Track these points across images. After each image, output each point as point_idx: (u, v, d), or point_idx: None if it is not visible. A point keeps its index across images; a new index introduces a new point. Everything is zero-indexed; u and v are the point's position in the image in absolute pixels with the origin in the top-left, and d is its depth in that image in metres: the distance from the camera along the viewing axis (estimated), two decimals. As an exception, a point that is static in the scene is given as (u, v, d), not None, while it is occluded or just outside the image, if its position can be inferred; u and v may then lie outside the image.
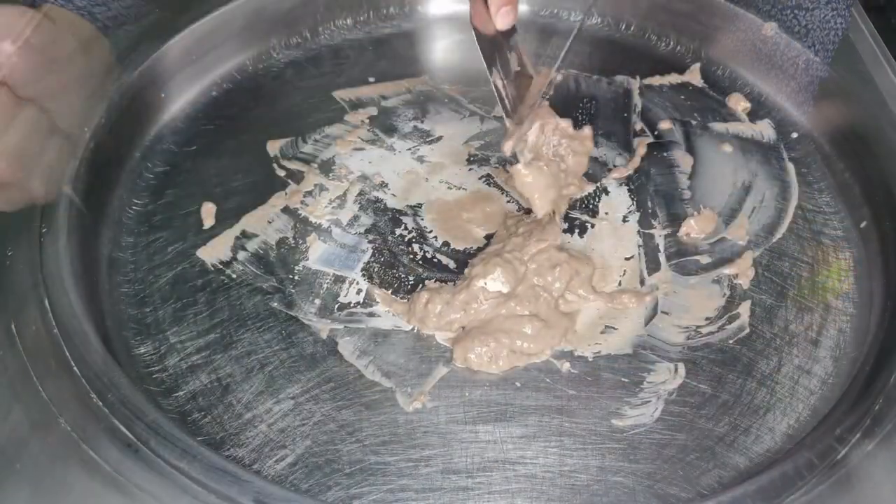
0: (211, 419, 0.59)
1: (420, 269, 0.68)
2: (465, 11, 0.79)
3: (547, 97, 0.69)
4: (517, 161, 0.67)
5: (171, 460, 0.52)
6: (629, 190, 0.74)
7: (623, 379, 0.61)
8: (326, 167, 0.75)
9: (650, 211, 0.73)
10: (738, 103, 0.81)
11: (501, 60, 0.66)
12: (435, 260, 0.69)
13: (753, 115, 0.80)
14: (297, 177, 0.74)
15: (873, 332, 0.64)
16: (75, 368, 0.57)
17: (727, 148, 0.78)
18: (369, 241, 0.70)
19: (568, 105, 0.80)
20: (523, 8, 0.84)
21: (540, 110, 0.68)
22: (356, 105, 0.80)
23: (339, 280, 0.67)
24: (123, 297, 0.65)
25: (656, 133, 0.79)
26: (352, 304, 0.66)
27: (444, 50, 0.85)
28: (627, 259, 0.69)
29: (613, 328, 0.65)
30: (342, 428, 0.58)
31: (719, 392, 0.61)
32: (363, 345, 0.63)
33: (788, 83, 0.80)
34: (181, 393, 0.60)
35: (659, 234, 0.71)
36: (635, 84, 0.83)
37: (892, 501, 0.53)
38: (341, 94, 0.81)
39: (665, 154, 0.77)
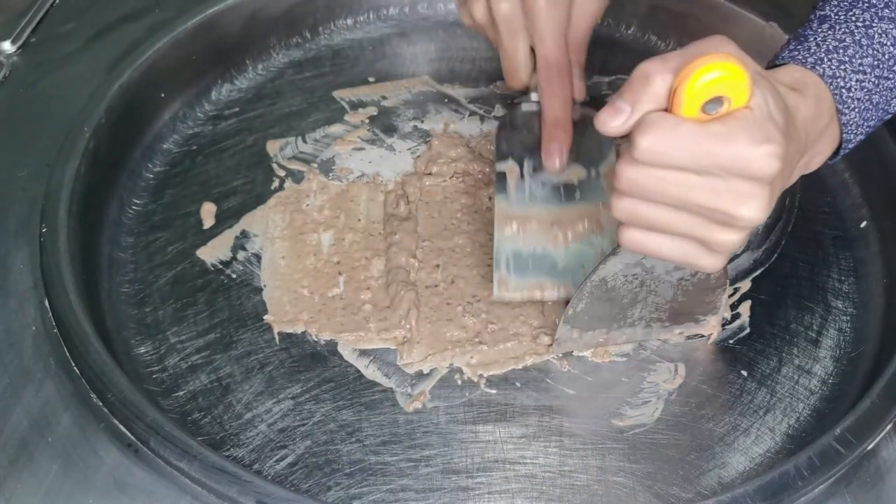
0: (211, 419, 0.59)
1: (420, 269, 0.68)
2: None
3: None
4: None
5: (171, 460, 0.52)
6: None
7: (623, 379, 0.61)
8: (326, 167, 0.75)
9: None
10: (738, 103, 0.81)
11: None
12: (435, 260, 0.69)
13: (753, 115, 0.80)
14: (297, 177, 0.74)
15: (873, 332, 0.64)
16: (75, 368, 0.57)
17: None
18: (369, 241, 0.70)
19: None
20: None
21: None
22: (356, 105, 0.80)
23: (339, 280, 0.67)
24: (123, 297, 0.65)
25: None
26: (352, 304, 0.66)
27: (444, 50, 0.85)
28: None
29: (613, 328, 0.65)
30: (342, 428, 0.58)
31: (719, 392, 0.61)
32: (363, 345, 0.63)
33: (788, 83, 0.80)
34: (181, 393, 0.60)
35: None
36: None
37: (892, 501, 0.53)
38: (341, 94, 0.81)
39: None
